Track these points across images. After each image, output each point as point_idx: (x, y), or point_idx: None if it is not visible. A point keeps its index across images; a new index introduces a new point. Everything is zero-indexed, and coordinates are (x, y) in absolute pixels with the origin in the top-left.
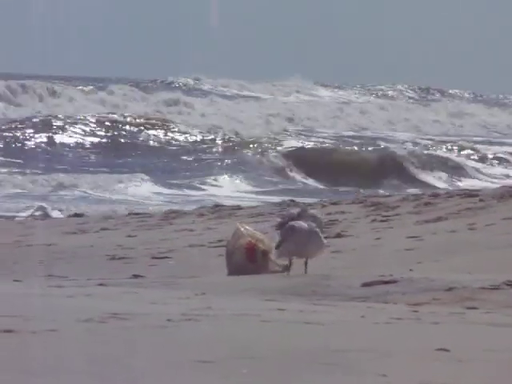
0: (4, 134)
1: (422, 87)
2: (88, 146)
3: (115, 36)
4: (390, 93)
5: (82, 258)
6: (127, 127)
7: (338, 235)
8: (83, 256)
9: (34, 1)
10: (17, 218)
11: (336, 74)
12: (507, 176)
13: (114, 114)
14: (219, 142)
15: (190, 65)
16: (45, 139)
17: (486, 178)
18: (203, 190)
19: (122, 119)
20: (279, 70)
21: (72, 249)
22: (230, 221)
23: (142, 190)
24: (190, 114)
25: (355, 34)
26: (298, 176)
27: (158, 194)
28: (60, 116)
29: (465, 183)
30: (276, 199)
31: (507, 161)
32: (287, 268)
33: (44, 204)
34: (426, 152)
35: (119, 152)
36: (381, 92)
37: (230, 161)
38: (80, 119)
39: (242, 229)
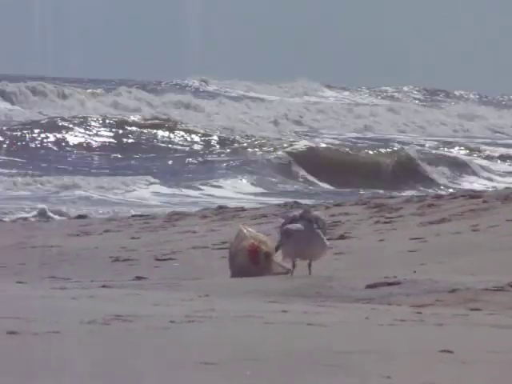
0: (12, 135)
1: (428, 89)
2: (96, 147)
3: (116, 37)
4: (396, 94)
5: (86, 260)
6: (136, 129)
7: (342, 237)
8: (86, 258)
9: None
10: (20, 220)
11: (340, 76)
12: None
13: (123, 115)
14: (227, 143)
15: (193, 66)
16: (52, 141)
17: (498, 180)
18: (209, 191)
19: (130, 121)
20: (283, 71)
21: (75, 251)
22: (234, 222)
23: (147, 192)
24: (199, 116)
25: (357, 35)
26: (308, 177)
27: (163, 195)
28: (68, 118)
29: (476, 184)
30: (283, 201)
31: None
32: (290, 269)
33: (47, 206)
34: (436, 152)
35: (127, 154)
36: (385, 93)
37: (237, 162)
38: (88, 121)
39: (245, 231)
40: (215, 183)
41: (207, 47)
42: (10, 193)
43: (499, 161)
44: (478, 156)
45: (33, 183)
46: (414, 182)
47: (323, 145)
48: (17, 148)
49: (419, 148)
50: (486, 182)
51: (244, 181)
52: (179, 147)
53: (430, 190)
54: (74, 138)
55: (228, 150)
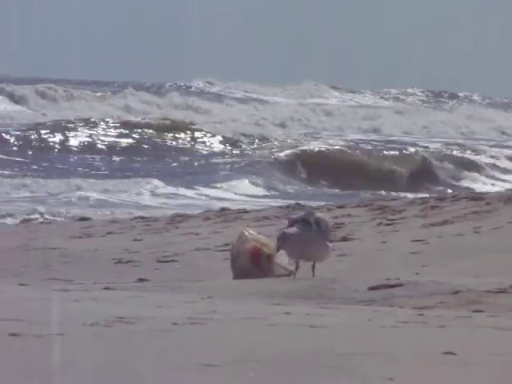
0: (20, 136)
1: (433, 90)
2: (103, 149)
3: (116, 38)
4: (401, 96)
5: (88, 262)
6: (143, 131)
7: (344, 239)
8: (89, 260)
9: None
10: (23, 222)
11: (344, 77)
12: None
13: (130, 117)
14: (233, 145)
15: (196, 68)
16: (58, 143)
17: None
18: (214, 193)
19: (137, 123)
20: (288, 72)
21: (78, 253)
22: (236, 224)
23: (151, 194)
24: (206, 118)
25: (360, 36)
26: (315, 179)
27: (167, 197)
28: (75, 120)
29: (489, 185)
30: (287, 203)
31: None
32: (293, 271)
33: (49, 208)
34: (449, 154)
35: (133, 156)
36: (389, 95)
37: (242, 164)
38: (95, 123)
39: (247, 233)
40: (220, 185)
41: (210, 49)
42: (13, 195)
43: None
44: (490, 158)
45: (34, 184)
46: (428, 184)
47: (336, 147)
48: (23, 149)
49: (432, 150)
50: (499, 183)
51: (249, 183)
52: (185, 149)
53: (444, 192)
54: (79, 139)
55: (234, 152)
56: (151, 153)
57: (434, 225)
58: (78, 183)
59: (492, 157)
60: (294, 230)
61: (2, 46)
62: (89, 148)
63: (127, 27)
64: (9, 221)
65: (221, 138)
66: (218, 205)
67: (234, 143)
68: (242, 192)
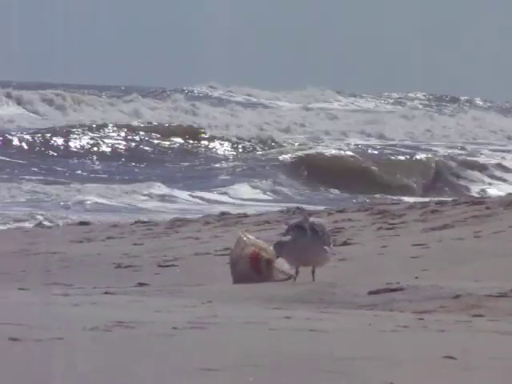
0: (25, 141)
1: (434, 94)
2: (107, 154)
3: (117, 43)
4: (404, 100)
5: (88, 267)
6: (147, 135)
7: (345, 243)
8: (89, 264)
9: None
10: (22, 226)
11: (346, 81)
12: None
13: (136, 122)
14: (238, 149)
15: (196, 72)
16: (64, 148)
17: None
18: (217, 198)
19: (142, 127)
20: (292, 77)
21: (78, 257)
22: (236, 229)
23: (154, 198)
24: (210, 122)
25: (362, 40)
26: (320, 184)
27: (169, 202)
28: (80, 125)
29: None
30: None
31: None
32: (293, 276)
33: (50, 212)
34: (460, 158)
35: (139, 160)
36: (393, 99)
37: (246, 168)
38: (101, 128)
39: (245, 238)
40: (222, 189)
41: (212, 53)
42: (13, 199)
43: None
44: (498, 161)
45: (35, 189)
46: (445, 188)
47: (341, 151)
48: (26, 154)
49: (441, 154)
50: (506, 187)
51: (252, 187)
52: (188, 153)
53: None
54: (82, 144)
55: (237, 156)
56: (154, 157)
57: (435, 229)
58: (78, 187)
59: (500, 160)
60: (288, 238)
61: (3, 52)
62: (91, 152)
63: (127, 31)
64: (9, 225)
65: (224, 143)
66: (220, 209)
67: (237, 147)
68: (243, 196)
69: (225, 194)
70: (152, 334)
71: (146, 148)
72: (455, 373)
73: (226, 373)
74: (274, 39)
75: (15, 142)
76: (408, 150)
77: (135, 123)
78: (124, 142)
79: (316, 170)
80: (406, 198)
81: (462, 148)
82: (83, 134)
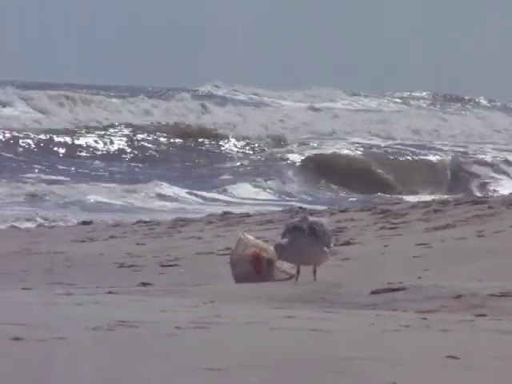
0: (31, 142)
1: (438, 93)
2: (117, 154)
3: (118, 42)
4: (410, 100)
5: (91, 266)
6: (155, 135)
7: (347, 243)
8: (92, 264)
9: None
10: (25, 226)
11: (351, 81)
12: None
13: (142, 121)
14: (246, 149)
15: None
16: (70, 148)
17: None
18: (222, 197)
19: (150, 127)
20: (296, 76)
21: (81, 257)
22: (239, 228)
23: (158, 198)
24: (216, 122)
25: (366, 39)
26: (332, 185)
27: (175, 201)
28: (87, 125)
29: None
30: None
31: None
32: (294, 275)
33: (53, 211)
34: (470, 157)
35: (146, 160)
36: (394, 98)
37: (251, 168)
38: (109, 128)
39: (245, 238)
40: (227, 189)
41: (216, 52)
42: (17, 198)
43: None
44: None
45: (39, 188)
46: (459, 187)
47: (357, 152)
48: (31, 154)
49: (453, 153)
50: None
51: (257, 186)
52: (197, 153)
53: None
54: (88, 144)
55: (241, 156)
56: (160, 157)
57: (437, 229)
58: (82, 186)
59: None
60: (285, 240)
61: (6, 52)
62: (99, 152)
63: (127, 31)
64: (12, 225)
65: (231, 142)
66: (224, 209)
67: (243, 147)
68: (249, 196)
69: (228, 193)
70: (155, 333)
71: (153, 148)
72: (458, 372)
73: (229, 372)
74: (277, 39)
75: (22, 141)
76: (418, 150)
77: (141, 123)
78: (131, 142)
79: (322, 170)
80: (418, 198)
81: (470, 147)
82: (90, 134)
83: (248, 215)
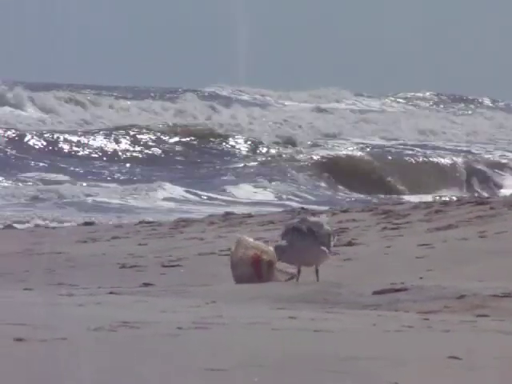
0: (37, 143)
1: (443, 94)
2: (121, 154)
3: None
4: (415, 100)
5: (93, 267)
6: (161, 136)
7: (349, 243)
8: (94, 264)
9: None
10: (28, 226)
11: (354, 82)
12: None
13: (147, 122)
14: (253, 151)
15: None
16: (74, 148)
17: None
18: (227, 198)
19: (158, 129)
20: (301, 77)
21: (83, 257)
22: (241, 229)
23: (159, 199)
24: (225, 123)
25: (371, 40)
26: (337, 186)
27: (177, 201)
28: (93, 127)
29: None
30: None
31: None
32: (295, 276)
33: (54, 212)
34: (482, 158)
35: (150, 161)
36: (402, 99)
37: (256, 168)
38: (111, 129)
39: (245, 240)
40: (233, 189)
41: (219, 53)
42: (20, 199)
43: None
44: None
45: (43, 189)
46: (475, 188)
47: (363, 153)
48: (37, 155)
49: (464, 154)
50: None
51: (260, 187)
52: (197, 153)
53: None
54: (93, 146)
55: (246, 157)
56: (165, 158)
57: (439, 229)
58: (84, 187)
59: None
60: (284, 242)
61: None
62: (99, 153)
63: (128, 31)
64: (15, 225)
65: (236, 143)
66: (228, 209)
67: (248, 148)
68: (250, 196)
69: (231, 194)
70: (157, 334)
71: (157, 148)
72: (460, 373)
73: (231, 373)
74: (279, 39)
75: (30, 142)
76: (423, 150)
77: (147, 123)
78: (135, 143)
79: (327, 171)
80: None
81: (481, 148)
82: (94, 134)
83: (250, 216)
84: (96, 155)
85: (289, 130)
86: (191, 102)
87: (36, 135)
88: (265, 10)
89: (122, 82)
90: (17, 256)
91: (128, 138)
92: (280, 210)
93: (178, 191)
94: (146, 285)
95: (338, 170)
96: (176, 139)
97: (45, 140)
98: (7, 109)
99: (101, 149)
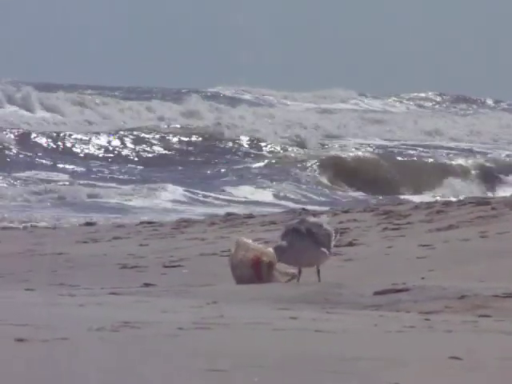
0: (44, 143)
1: (445, 94)
2: (124, 155)
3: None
4: (418, 101)
5: (94, 267)
6: (167, 137)
7: (350, 244)
8: (95, 265)
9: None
10: (29, 227)
11: (360, 83)
12: None
13: (153, 123)
14: (258, 150)
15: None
16: (77, 149)
17: None
18: (229, 198)
19: (163, 130)
20: (305, 78)
21: (84, 258)
22: (242, 229)
23: (161, 199)
24: (229, 123)
25: (374, 41)
26: (347, 187)
27: (180, 202)
28: (97, 127)
29: None
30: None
31: None
32: (296, 277)
33: (56, 212)
34: (494, 159)
35: (155, 163)
36: (406, 100)
37: (258, 169)
38: (116, 130)
39: (245, 242)
40: (235, 190)
41: (222, 54)
42: (23, 199)
43: None
44: None
45: (45, 189)
46: (487, 188)
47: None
48: (43, 155)
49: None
50: None
51: (263, 188)
52: (202, 154)
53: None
54: (97, 146)
55: (249, 157)
56: (171, 159)
57: (440, 229)
58: (85, 187)
59: None
60: (284, 243)
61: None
62: (101, 154)
63: (128, 31)
64: (17, 225)
65: (239, 143)
66: (230, 210)
67: (252, 148)
68: (252, 197)
69: (233, 194)
70: (158, 334)
71: (162, 149)
72: (461, 373)
73: (232, 373)
74: (281, 39)
75: (32, 141)
76: (431, 151)
77: (152, 124)
78: (138, 144)
79: (330, 171)
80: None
81: (491, 148)
82: (99, 135)
83: (251, 216)
84: (97, 155)
85: (293, 130)
86: (196, 102)
87: (39, 135)
88: (270, 12)
89: (124, 83)
90: (18, 256)
91: (131, 138)
92: (281, 210)
93: (180, 192)
94: (147, 285)
95: (342, 171)
96: (180, 139)
97: (47, 140)
98: (14, 109)
99: (103, 149)
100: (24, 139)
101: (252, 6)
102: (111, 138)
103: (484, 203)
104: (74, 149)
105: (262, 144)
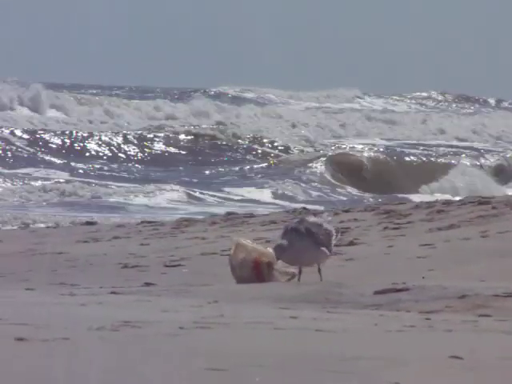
0: (51, 142)
1: (448, 93)
2: (126, 155)
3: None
4: (423, 100)
5: (95, 266)
6: (172, 137)
7: (351, 243)
8: (95, 264)
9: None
10: (30, 226)
11: (363, 83)
12: None
13: (159, 123)
14: (266, 151)
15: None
16: (80, 148)
17: None
18: (230, 197)
19: (170, 131)
20: (309, 78)
21: (84, 257)
22: (243, 228)
23: (161, 198)
24: (234, 123)
25: (378, 41)
26: (349, 187)
27: (187, 203)
28: (106, 129)
29: None
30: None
31: None
32: (296, 276)
33: (57, 212)
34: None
35: (159, 162)
36: (409, 99)
37: (260, 169)
38: (120, 131)
39: (245, 243)
40: (235, 189)
41: (225, 54)
42: (24, 198)
43: None
44: None
45: (48, 188)
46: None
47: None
48: (49, 154)
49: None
50: None
51: (266, 188)
52: (204, 154)
53: None
54: (103, 147)
55: (252, 158)
56: (175, 158)
57: (441, 229)
58: (86, 187)
59: None
60: (284, 242)
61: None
62: (103, 153)
63: (128, 31)
64: (18, 225)
65: (243, 143)
66: (233, 209)
67: (256, 147)
68: (253, 197)
69: (234, 194)
70: (159, 333)
71: (163, 149)
72: (461, 373)
73: (233, 372)
74: (283, 39)
75: (35, 141)
76: (434, 149)
77: (157, 124)
78: (142, 143)
79: (334, 171)
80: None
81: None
82: (102, 134)
83: (251, 216)
84: (99, 155)
85: (297, 130)
86: (202, 102)
87: (42, 135)
88: (273, 12)
89: (126, 82)
90: (19, 256)
91: (132, 138)
92: (282, 209)
93: (181, 191)
94: (147, 284)
95: (344, 170)
96: (185, 139)
97: (50, 139)
98: (23, 109)
99: (105, 148)
100: (29, 138)
101: (257, 6)
102: (111, 138)
103: (484, 202)
104: (73, 148)
105: (266, 143)
